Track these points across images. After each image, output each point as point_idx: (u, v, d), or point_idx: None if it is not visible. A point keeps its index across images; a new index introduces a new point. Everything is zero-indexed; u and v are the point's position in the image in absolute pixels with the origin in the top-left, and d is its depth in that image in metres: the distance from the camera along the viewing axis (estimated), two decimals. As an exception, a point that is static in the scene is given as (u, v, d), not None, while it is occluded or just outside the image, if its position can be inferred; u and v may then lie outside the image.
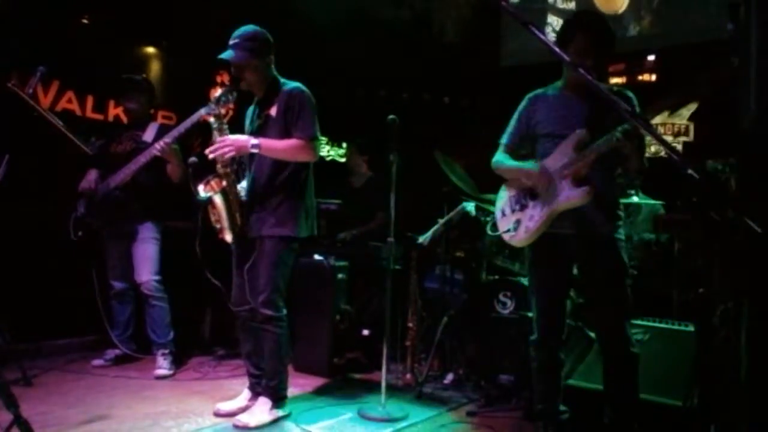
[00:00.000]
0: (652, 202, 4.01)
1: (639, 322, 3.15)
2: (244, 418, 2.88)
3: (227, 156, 2.83)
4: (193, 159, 2.96)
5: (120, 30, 4.54)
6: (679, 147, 4.98)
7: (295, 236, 2.96)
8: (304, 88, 2.99)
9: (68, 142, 3.62)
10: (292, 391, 3.19)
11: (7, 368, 3.12)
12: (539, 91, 2.77)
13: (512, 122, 2.81)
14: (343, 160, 5.99)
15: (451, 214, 3.79)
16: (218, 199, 2.90)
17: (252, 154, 2.97)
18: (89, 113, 4.47)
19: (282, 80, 3.04)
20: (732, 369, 1.73)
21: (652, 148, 4.69)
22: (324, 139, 6.03)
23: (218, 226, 2.95)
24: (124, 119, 4.28)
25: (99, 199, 3.70)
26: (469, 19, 5.59)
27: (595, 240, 2.57)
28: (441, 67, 5.76)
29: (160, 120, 4.57)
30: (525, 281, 3.38)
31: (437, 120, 5.88)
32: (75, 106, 4.38)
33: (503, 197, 2.82)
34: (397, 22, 5.35)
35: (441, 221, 3.79)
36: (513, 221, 2.71)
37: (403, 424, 3.05)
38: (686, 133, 5.04)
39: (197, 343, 4.31)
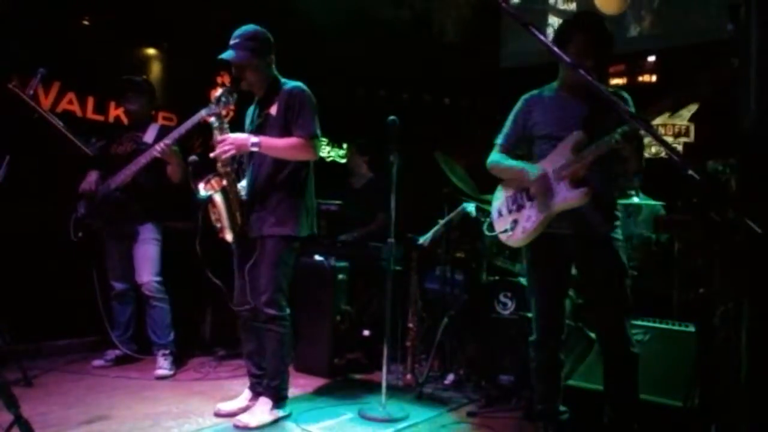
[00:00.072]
0: (653, 202, 4.02)
1: (639, 322, 3.15)
2: (244, 418, 2.88)
3: (227, 155, 2.84)
4: (193, 157, 2.96)
5: (120, 31, 4.54)
6: (680, 148, 4.98)
7: (295, 235, 2.96)
8: (304, 87, 2.99)
9: (69, 143, 3.62)
10: (292, 392, 3.19)
11: (7, 368, 3.13)
12: (535, 92, 2.77)
13: (508, 123, 2.80)
14: (344, 160, 5.99)
15: (452, 214, 3.79)
16: (218, 198, 2.90)
17: (252, 153, 2.97)
18: (90, 114, 4.47)
19: (282, 80, 3.04)
20: (732, 369, 1.73)
21: (653, 149, 4.70)
22: (324, 140, 6.03)
23: (218, 225, 2.96)
24: (125, 120, 4.28)
25: (99, 200, 3.70)
26: (469, 20, 5.59)
27: (593, 240, 2.57)
28: (441, 67, 5.76)
29: (160, 121, 4.57)
30: (525, 282, 3.38)
31: (437, 121, 5.89)
32: (76, 108, 4.39)
33: (500, 197, 2.81)
34: (397, 22, 5.35)
35: (441, 222, 3.80)
36: (510, 221, 2.70)
37: (404, 424, 3.05)
38: (687, 134, 5.04)
39: (198, 344, 4.31)
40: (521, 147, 2.77)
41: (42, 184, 3.95)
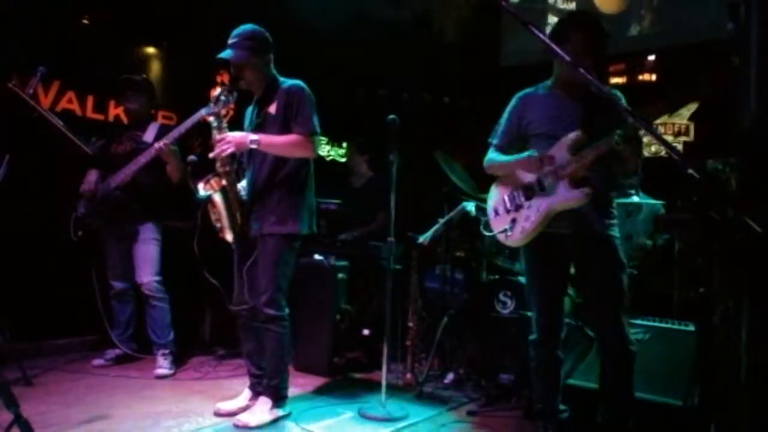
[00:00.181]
0: (653, 201, 4.02)
1: (639, 321, 3.15)
2: (244, 418, 2.88)
3: (227, 153, 2.84)
4: (192, 157, 2.97)
5: (120, 30, 4.54)
6: (680, 147, 4.98)
7: (296, 233, 2.96)
8: (302, 84, 2.99)
9: (68, 142, 3.62)
10: (292, 391, 3.19)
11: (7, 368, 3.13)
12: (529, 90, 2.76)
13: (502, 122, 2.79)
14: (344, 160, 6.00)
15: (452, 213, 3.79)
16: (218, 198, 2.90)
17: (252, 153, 2.97)
18: (89, 113, 4.47)
19: (281, 78, 3.04)
20: (732, 369, 1.72)
21: (653, 148, 4.70)
22: (324, 139, 6.03)
23: (218, 225, 2.95)
24: (125, 119, 4.28)
25: (99, 200, 3.70)
26: (469, 19, 5.58)
27: (592, 239, 2.57)
28: (441, 67, 5.76)
29: (160, 120, 4.57)
30: (525, 281, 3.38)
31: (437, 120, 5.89)
32: (75, 107, 4.39)
33: (495, 196, 2.80)
34: (397, 22, 5.35)
35: (441, 221, 3.80)
36: (508, 221, 2.69)
37: (404, 423, 3.05)
38: (686, 133, 5.04)
39: (197, 343, 4.31)
40: (516, 146, 2.76)
41: (42, 184, 3.95)
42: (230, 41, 2.93)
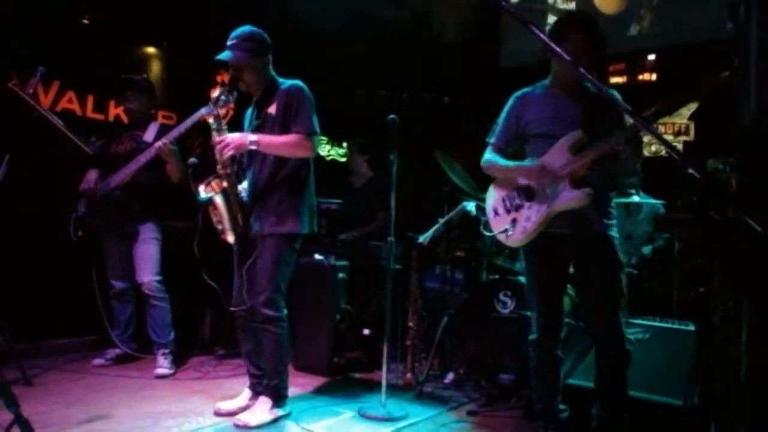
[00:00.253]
0: (653, 201, 4.02)
1: (639, 321, 3.15)
2: (244, 418, 2.88)
3: (227, 154, 2.84)
4: (192, 160, 2.96)
5: (120, 30, 4.54)
6: (680, 146, 4.98)
7: (296, 233, 2.96)
8: (302, 84, 2.99)
9: (68, 142, 3.62)
10: (292, 391, 3.19)
11: (7, 368, 3.12)
12: (526, 89, 2.75)
13: (500, 121, 2.79)
14: (344, 160, 5.99)
15: (452, 213, 3.79)
16: (219, 200, 2.90)
17: (252, 155, 2.97)
18: (90, 113, 4.47)
19: (280, 79, 3.04)
20: (732, 369, 1.72)
21: (653, 147, 4.70)
22: (324, 139, 6.03)
23: (220, 227, 2.95)
24: (125, 119, 4.28)
25: (99, 199, 3.70)
26: (469, 19, 5.59)
27: (592, 238, 2.57)
28: (441, 67, 5.76)
29: (160, 120, 4.57)
30: (525, 280, 3.38)
31: (437, 120, 5.89)
32: (75, 106, 4.39)
33: (494, 196, 2.80)
34: (397, 22, 5.35)
35: (441, 221, 3.80)
36: (509, 221, 2.69)
37: (404, 423, 3.05)
38: (686, 132, 5.04)
39: (197, 343, 4.31)
40: (514, 145, 2.76)
41: (42, 183, 3.95)
42: (229, 43, 2.93)
